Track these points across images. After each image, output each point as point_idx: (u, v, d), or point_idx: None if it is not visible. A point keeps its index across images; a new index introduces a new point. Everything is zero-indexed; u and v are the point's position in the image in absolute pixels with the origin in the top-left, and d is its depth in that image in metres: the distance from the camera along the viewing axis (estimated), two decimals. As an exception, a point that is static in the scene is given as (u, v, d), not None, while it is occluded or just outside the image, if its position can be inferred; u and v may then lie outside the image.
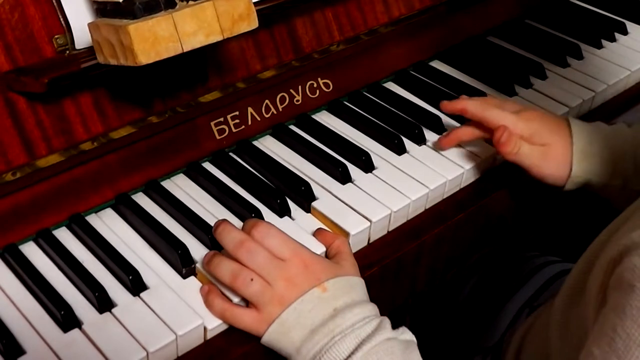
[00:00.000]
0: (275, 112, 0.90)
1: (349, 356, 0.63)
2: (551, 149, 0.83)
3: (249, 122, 0.88)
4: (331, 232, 0.76)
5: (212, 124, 0.85)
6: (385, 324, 0.66)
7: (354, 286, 0.69)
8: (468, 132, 0.87)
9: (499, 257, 1.00)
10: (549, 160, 0.83)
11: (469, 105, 0.85)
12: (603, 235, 0.68)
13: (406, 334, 0.68)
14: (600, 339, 0.53)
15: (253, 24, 0.68)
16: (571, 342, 0.68)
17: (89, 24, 0.67)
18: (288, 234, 0.70)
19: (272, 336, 0.66)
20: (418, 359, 0.67)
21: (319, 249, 0.74)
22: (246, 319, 0.67)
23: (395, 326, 0.68)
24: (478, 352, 0.92)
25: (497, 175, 0.89)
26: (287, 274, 0.67)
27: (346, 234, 0.77)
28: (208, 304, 0.68)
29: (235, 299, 0.68)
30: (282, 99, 0.91)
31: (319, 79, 0.94)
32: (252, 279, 0.66)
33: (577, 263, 0.71)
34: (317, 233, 0.76)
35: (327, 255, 0.74)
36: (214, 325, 0.68)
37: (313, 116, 0.94)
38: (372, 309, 0.68)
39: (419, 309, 0.99)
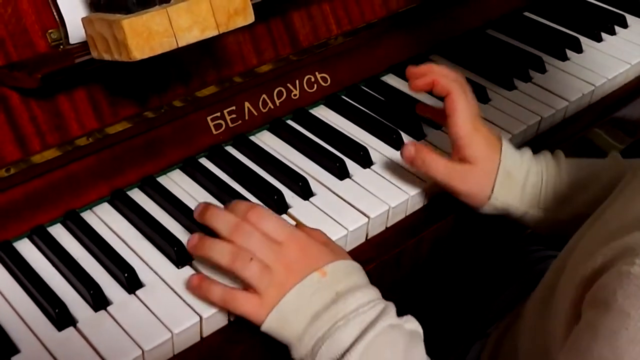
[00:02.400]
0: (272, 107, 0.90)
1: (352, 345, 0.61)
2: (474, 169, 0.78)
3: (246, 117, 0.87)
4: (306, 227, 0.73)
5: (209, 119, 0.84)
6: (390, 309, 0.64)
7: (354, 270, 0.67)
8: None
9: (499, 250, 1.00)
10: (467, 181, 0.79)
11: (440, 78, 0.79)
12: (572, 242, 0.66)
13: (411, 323, 0.65)
14: (572, 356, 0.51)
15: (249, 18, 0.67)
16: (540, 351, 0.66)
17: (82, 19, 0.66)
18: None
19: (272, 324, 0.64)
20: (421, 354, 0.65)
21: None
22: (247, 304, 0.64)
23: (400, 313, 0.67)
24: (474, 340, 0.91)
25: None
26: (285, 258, 0.65)
27: (344, 230, 0.76)
28: (205, 291, 0.65)
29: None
30: (280, 94, 0.90)
31: (317, 73, 0.94)
32: (251, 259, 0.64)
33: (549, 271, 0.70)
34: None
35: None
36: (211, 323, 0.67)
37: (311, 111, 0.93)
38: (375, 293, 0.66)
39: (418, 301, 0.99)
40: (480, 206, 0.81)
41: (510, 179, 0.80)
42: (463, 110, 0.78)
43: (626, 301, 0.47)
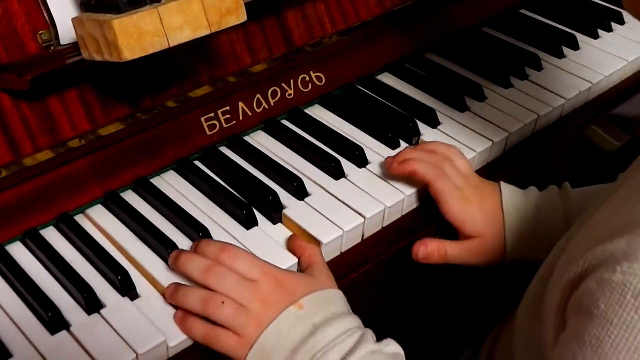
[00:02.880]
0: (267, 107, 0.89)
1: None
2: (483, 242, 0.79)
3: (240, 117, 0.87)
4: (304, 241, 0.73)
5: (203, 119, 0.84)
6: (368, 337, 0.64)
7: (332, 299, 0.67)
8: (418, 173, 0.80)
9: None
10: (480, 254, 0.79)
11: (419, 169, 0.79)
12: (559, 247, 0.66)
13: (391, 346, 0.65)
14: None
15: (241, 17, 0.67)
16: (535, 355, 0.66)
17: (73, 20, 0.66)
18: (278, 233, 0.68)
19: None
20: None
21: (291, 260, 0.72)
22: (227, 343, 0.64)
23: (382, 333, 0.66)
24: (466, 344, 0.91)
25: (494, 170, 0.88)
26: (260, 294, 0.64)
27: (340, 231, 0.75)
28: (187, 329, 0.65)
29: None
30: (274, 94, 0.90)
31: (312, 72, 0.93)
32: (223, 302, 0.64)
33: (540, 269, 0.69)
34: (290, 242, 0.73)
35: (300, 267, 0.72)
36: (205, 325, 0.66)
37: (306, 110, 0.93)
38: (353, 321, 0.66)
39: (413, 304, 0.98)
40: (498, 266, 0.81)
41: (519, 235, 0.79)
42: (449, 194, 0.78)
43: (609, 309, 0.48)
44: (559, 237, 0.72)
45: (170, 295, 0.67)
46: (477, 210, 0.79)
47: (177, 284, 0.67)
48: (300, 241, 0.73)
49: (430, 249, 0.78)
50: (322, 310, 0.65)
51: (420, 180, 0.79)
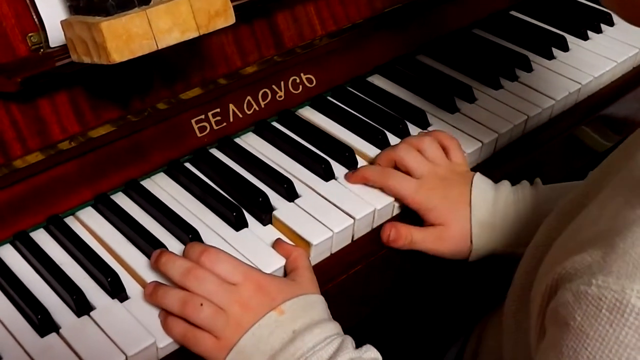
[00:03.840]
0: (257, 109, 0.89)
1: None
2: (447, 229, 0.79)
3: (231, 119, 0.87)
4: (290, 243, 0.74)
5: (193, 121, 0.84)
6: (347, 344, 0.64)
7: (313, 305, 0.67)
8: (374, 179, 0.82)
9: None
10: (444, 241, 0.79)
11: (368, 174, 0.81)
12: (543, 234, 0.66)
13: (370, 352, 0.65)
14: None
15: (230, 19, 0.67)
16: (523, 349, 0.66)
17: (61, 22, 0.66)
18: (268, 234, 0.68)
19: None
20: None
21: (280, 262, 0.72)
22: (207, 344, 0.63)
23: (368, 333, 0.66)
24: (450, 343, 0.91)
25: (484, 171, 0.88)
26: (240, 297, 0.64)
27: (329, 232, 0.76)
28: (166, 326, 0.65)
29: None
30: (265, 95, 0.90)
31: (302, 74, 0.93)
32: (202, 304, 0.63)
33: (522, 262, 0.69)
34: (276, 244, 0.73)
35: (285, 269, 0.72)
36: (195, 327, 0.66)
37: (296, 112, 0.93)
38: (333, 327, 0.66)
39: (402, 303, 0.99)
40: (465, 258, 0.81)
41: (486, 227, 0.79)
42: (406, 190, 0.79)
43: (585, 321, 0.48)
44: (527, 231, 0.73)
45: (149, 293, 0.67)
46: (440, 199, 0.79)
47: (156, 283, 0.67)
48: (285, 244, 0.73)
49: (398, 232, 0.78)
50: (302, 316, 0.65)
51: (373, 184, 0.80)
